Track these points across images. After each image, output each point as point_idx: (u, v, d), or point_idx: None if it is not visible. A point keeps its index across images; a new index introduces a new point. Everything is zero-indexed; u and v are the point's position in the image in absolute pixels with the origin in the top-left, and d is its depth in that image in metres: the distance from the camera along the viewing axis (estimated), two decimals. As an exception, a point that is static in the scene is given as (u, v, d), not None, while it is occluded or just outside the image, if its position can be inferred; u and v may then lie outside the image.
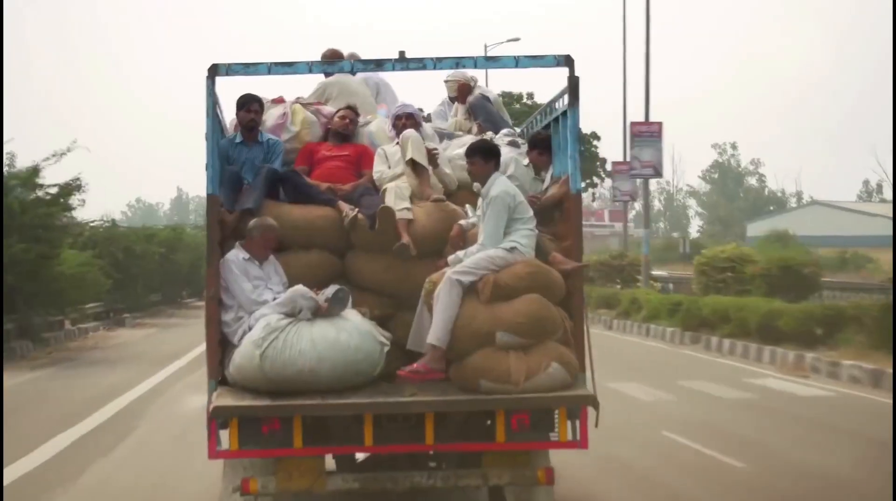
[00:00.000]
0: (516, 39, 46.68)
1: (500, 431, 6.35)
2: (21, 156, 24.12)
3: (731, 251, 26.24)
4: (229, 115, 7.87)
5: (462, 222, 7.02)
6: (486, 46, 46.60)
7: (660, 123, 32.10)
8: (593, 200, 62.85)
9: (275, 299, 6.69)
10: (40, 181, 23.29)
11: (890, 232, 25.32)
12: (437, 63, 7.00)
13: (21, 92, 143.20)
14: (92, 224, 34.81)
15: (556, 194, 7.23)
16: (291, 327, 6.44)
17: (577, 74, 6.90)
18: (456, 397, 6.30)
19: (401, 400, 6.25)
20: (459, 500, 8.15)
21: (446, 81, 9.16)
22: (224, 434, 6.36)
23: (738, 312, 20.03)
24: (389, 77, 9.07)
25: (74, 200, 24.37)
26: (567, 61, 6.86)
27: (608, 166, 46.82)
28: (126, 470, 10.53)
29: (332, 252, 7.17)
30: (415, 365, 6.46)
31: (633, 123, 32.05)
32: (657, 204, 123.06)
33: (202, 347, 26.59)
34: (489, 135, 8.23)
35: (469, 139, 7.90)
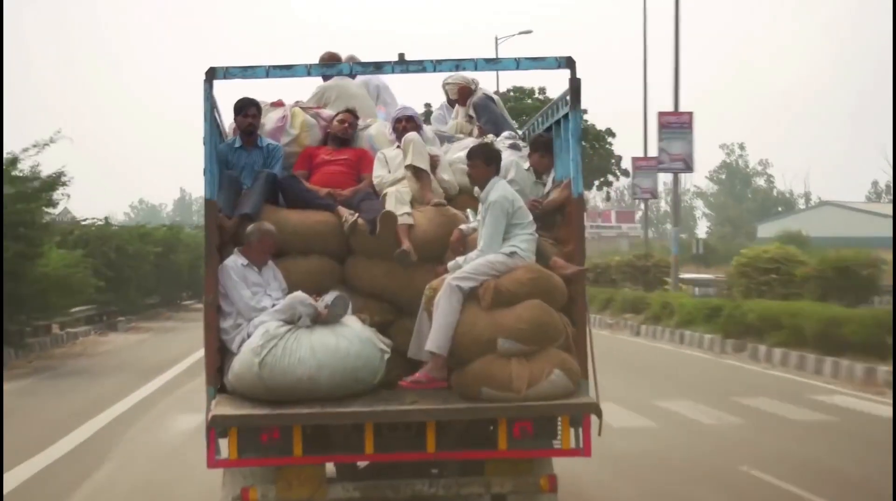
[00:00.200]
0: (528, 32, 44.73)
1: (503, 438, 6.25)
2: (23, 159, 21.90)
3: (775, 251, 23.86)
4: (228, 118, 7.76)
5: (462, 226, 6.90)
6: (496, 39, 45.65)
7: (690, 114, 29.74)
8: (608, 198, 60.41)
9: (274, 305, 6.58)
10: (20, 174, 20.80)
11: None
12: (437, 65, 6.92)
13: (21, 93, 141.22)
14: (83, 222, 32.63)
15: (558, 198, 7.09)
16: (290, 334, 6.33)
17: (579, 75, 6.86)
18: (457, 405, 6.20)
19: (401, 409, 6.13)
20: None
21: (446, 84, 8.99)
22: (223, 443, 6.23)
23: (792, 318, 17.79)
24: (389, 79, 8.94)
25: (59, 195, 21.89)
26: (568, 63, 6.76)
27: (625, 163, 44.53)
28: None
29: (332, 258, 7.05)
30: (416, 375, 6.37)
31: (660, 114, 29.63)
32: (664, 205, 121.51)
33: (198, 354, 25.86)
34: (490, 138, 8.09)
35: (470, 142, 7.77)
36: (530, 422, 6.28)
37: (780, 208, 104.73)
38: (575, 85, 6.79)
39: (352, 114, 7.89)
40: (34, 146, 21.55)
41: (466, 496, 6.58)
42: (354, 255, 7.07)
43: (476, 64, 6.99)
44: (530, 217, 6.72)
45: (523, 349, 6.26)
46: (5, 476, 10.02)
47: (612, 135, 45.40)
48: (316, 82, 8.56)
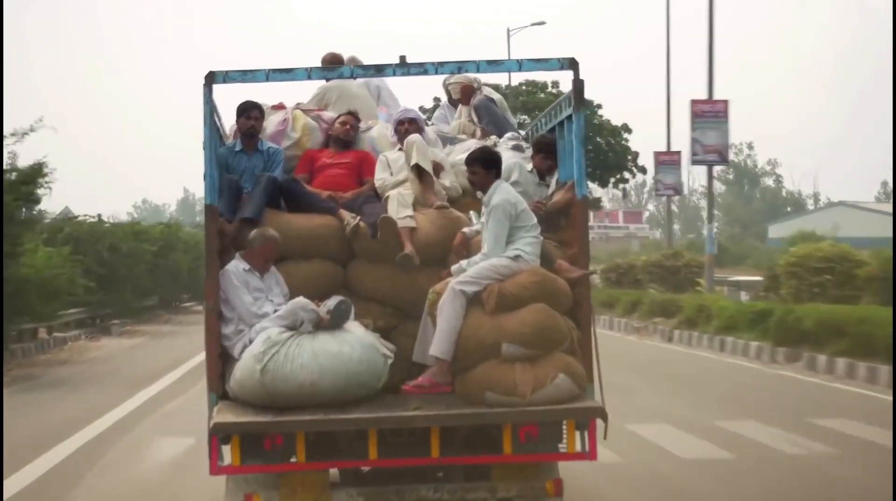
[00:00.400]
0: (541, 23, 42.75)
1: (508, 443, 6.17)
2: (22, 156, 21.39)
3: (828, 250, 21.49)
4: (229, 120, 7.69)
5: (465, 229, 6.81)
6: (508, 31, 44.49)
7: (725, 102, 27.56)
8: (624, 196, 58.25)
9: (275, 311, 6.50)
10: None
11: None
12: (439, 67, 6.87)
13: (22, 93, 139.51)
14: (75, 219, 30.45)
15: (562, 200, 7.00)
16: (292, 340, 6.26)
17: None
18: (461, 410, 6.12)
19: (405, 415, 6.04)
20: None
21: (449, 84, 8.90)
22: (226, 449, 6.11)
23: (859, 324, 15.43)
24: (390, 79, 8.74)
25: (43, 189, 19.77)
26: (571, 64, 6.72)
27: (642, 159, 42.41)
28: None
29: (334, 262, 6.97)
30: (419, 379, 6.30)
31: (693, 102, 27.39)
32: (672, 206, 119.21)
33: (193, 361, 20.97)
34: (493, 139, 8.02)
35: (473, 144, 7.70)
36: (536, 426, 6.21)
37: (788, 209, 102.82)
38: (578, 86, 6.73)
39: (353, 116, 7.78)
40: (13, 135, 19.33)
41: (471, 500, 6.42)
42: (357, 259, 6.98)
43: (478, 66, 6.90)
44: (534, 220, 6.62)
45: (528, 354, 6.18)
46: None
47: (629, 131, 43.67)
48: (316, 84, 8.47)
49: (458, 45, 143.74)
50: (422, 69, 6.83)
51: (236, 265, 6.69)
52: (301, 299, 6.43)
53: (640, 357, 20.15)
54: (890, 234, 31.35)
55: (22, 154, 20.42)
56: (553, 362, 6.20)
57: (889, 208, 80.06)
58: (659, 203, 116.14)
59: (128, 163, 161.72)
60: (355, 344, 6.28)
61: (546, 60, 6.93)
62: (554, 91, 40.24)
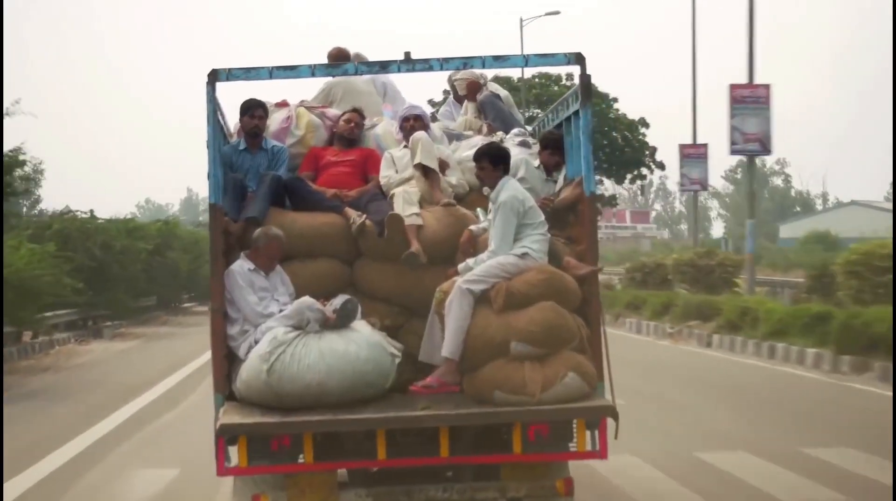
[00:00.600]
0: (556, 13, 40.72)
1: (517, 442, 6.10)
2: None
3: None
4: (233, 118, 7.56)
5: (472, 227, 6.76)
6: (521, 20, 43.32)
7: (767, 86, 25.26)
8: (642, 193, 56.19)
9: (281, 311, 6.45)
10: None
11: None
12: (444, 64, 6.80)
13: (22, 92, 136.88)
14: (65, 215, 28.35)
15: (570, 197, 6.92)
16: (299, 340, 6.19)
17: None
18: (470, 410, 6.05)
19: (414, 415, 5.99)
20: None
21: (455, 80, 8.75)
22: (233, 450, 6.06)
23: (948, 332, 13.23)
24: (395, 76, 8.62)
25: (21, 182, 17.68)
26: (578, 59, 6.63)
27: (660, 155, 40.45)
28: None
29: (340, 261, 6.91)
30: (428, 379, 6.24)
31: (733, 86, 25.15)
32: (678, 205, 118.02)
33: (189, 367, 19.26)
34: (500, 135, 7.90)
35: (479, 140, 7.63)
36: (545, 425, 6.12)
37: (797, 209, 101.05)
38: (585, 81, 6.67)
39: (358, 113, 7.70)
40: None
41: (481, 500, 6.28)
42: (363, 257, 6.91)
43: (484, 61, 6.81)
44: (542, 217, 6.56)
45: (537, 352, 6.09)
46: None
47: (646, 125, 41.72)
48: (320, 81, 8.35)
49: (469, 37, 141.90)
50: (427, 65, 6.74)
51: (241, 265, 6.60)
52: (307, 299, 6.35)
53: (681, 365, 18.09)
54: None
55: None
56: (562, 360, 6.11)
57: (902, 207, 78.18)
58: (666, 203, 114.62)
59: (131, 163, 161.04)
60: (362, 343, 6.21)
61: (553, 56, 6.85)
62: (568, 84, 39.26)
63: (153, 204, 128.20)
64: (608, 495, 8.72)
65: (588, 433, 6.24)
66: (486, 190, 6.81)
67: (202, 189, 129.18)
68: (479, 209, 7.03)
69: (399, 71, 6.88)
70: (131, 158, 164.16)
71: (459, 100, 8.91)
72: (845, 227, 65.01)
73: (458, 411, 6.03)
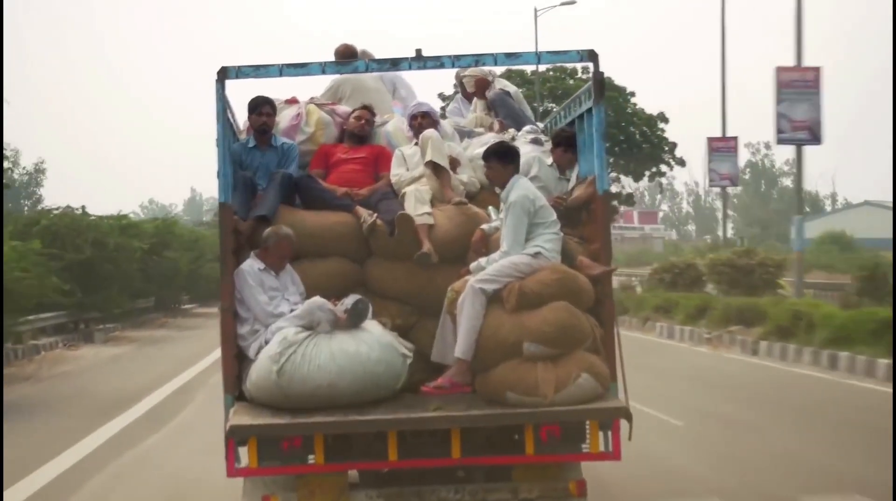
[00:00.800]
0: (571, 2, 38.62)
1: (530, 443, 6.03)
2: (25, 154, 16.15)
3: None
4: (242, 116, 7.50)
5: (484, 226, 6.69)
6: (535, 10, 41.38)
7: (817, 69, 23.14)
8: (660, 191, 54.08)
9: (292, 310, 6.39)
10: None
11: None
12: (456, 61, 6.73)
13: (22, 93, 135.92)
14: (54, 211, 26.35)
15: (583, 195, 6.85)
16: (309, 340, 6.12)
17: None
18: (482, 411, 5.98)
19: (426, 416, 5.93)
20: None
21: (463, 77, 8.69)
22: (243, 450, 6.03)
23: None
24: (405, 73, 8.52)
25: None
26: (591, 56, 6.57)
27: (680, 151, 38.50)
28: None
29: (351, 260, 6.85)
30: (439, 380, 6.17)
31: (780, 69, 23.09)
32: (685, 206, 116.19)
33: (183, 376, 17.42)
34: (511, 132, 7.85)
35: (491, 137, 7.60)
36: (558, 426, 6.05)
37: (807, 209, 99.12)
38: (598, 78, 6.60)
39: (368, 110, 7.63)
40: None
41: None
42: (374, 256, 6.85)
43: (496, 58, 6.74)
44: (554, 215, 6.49)
45: (550, 353, 6.02)
46: None
47: (665, 120, 39.77)
48: (329, 78, 8.25)
49: (482, 27, 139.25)
50: (438, 63, 6.69)
51: (251, 264, 6.54)
52: (318, 299, 6.29)
53: (732, 376, 16.22)
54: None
55: (25, 153, 16.41)
56: (575, 361, 6.04)
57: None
58: (673, 204, 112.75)
59: (134, 163, 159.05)
60: (373, 344, 6.15)
61: (565, 52, 6.84)
62: (584, 77, 37.71)
63: (157, 204, 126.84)
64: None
65: (601, 434, 6.19)
66: (497, 189, 6.72)
67: (206, 189, 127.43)
68: (490, 208, 6.93)
69: (410, 68, 6.79)
70: (135, 159, 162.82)
71: (468, 97, 8.80)
72: (859, 227, 63.42)
73: (470, 412, 5.97)
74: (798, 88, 22.63)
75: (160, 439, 11.64)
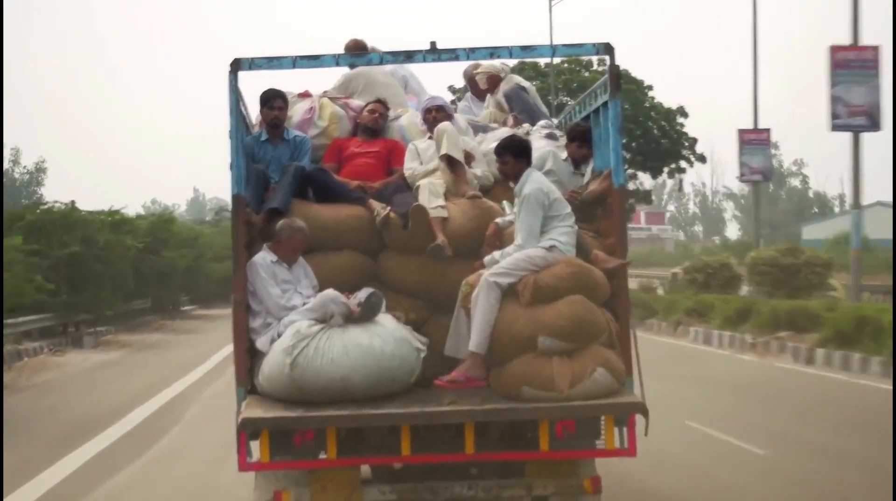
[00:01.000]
0: (588, -9, 36.44)
1: (544, 439, 5.96)
2: (26, 154, 14.71)
3: None
4: (254, 109, 7.45)
5: (499, 220, 6.66)
6: (550, 1, 39.24)
7: (875, 48, 21.10)
8: (679, 188, 52.07)
9: (304, 303, 6.34)
10: None
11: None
12: (471, 53, 6.67)
13: (21, 93, 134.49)
14: (42, 206, 24.40)
15: (598, 189, 6.78)
16: (322, 333, 6.05)
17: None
18: (497, 405, 5.93)
19: (440, 410, 5.89)
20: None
21: (476, 73, 8.54)
22: (255, 445, 5.97)
23: None
24: (415, 68, 8.60)
25: None
26: (607, 49, 6.53)
27: (702, 146, 36.69)
28: None
29: (364, 253, 6.81)
30: (453, 374, 6.10)
31: (835, 48, 21.03)
32: (692, 206, 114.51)
33: (175, 387, 15.52)
34: (525, 127, 7.78)
35: (505, 132, 7.52)
36: (573, 422, 5.97)
37: (815, 210, 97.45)
38: (615, 71, 6.54)
39: (382, 104, 7.57)
40: None
41: (507, 498, 6.16)
42: (387, 250, 6.80)
43: (511, 51, 6.68)
44: (568, 209, 6.43)
45: (565, 347, 5.95)
46: None
47: (685, 114, 37.75)
48: (339, 72, 8.18)
49: (496, 17, 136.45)
50: (453, 55, 6.60)
51: (264, 257, 6.47)
52: (331, 292, 6.21)
53: (795, 390, 14.59)
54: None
55: (25, 152, 14.65)
56: (591, 355, 5.96)
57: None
58: (680, 205, 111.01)
59: (136, 163, 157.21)
60: (387, 338, 6.07)
61: (581, 46, 6.77)
62: (599, 69, 35.91)
63: (159, 204, 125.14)
64: None
65: (616, 430, 6.09)
66: (511, 183, 6.66)
67: (208, 189, 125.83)
68: (504, 202, 6.87)
69: (424, 61, 6.68)
70: (137, 159, 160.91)
71: (479, 95, 8.72)
72: (871, 228, 61.48)
73: (485, 406, 5.89)
74: (855, 69, 20.60)
75: (138, 471, 9.67)
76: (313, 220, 6.63)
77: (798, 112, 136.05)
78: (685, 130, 38.09)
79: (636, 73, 37.97)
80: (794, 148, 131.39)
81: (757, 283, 24.32)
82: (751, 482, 8.67)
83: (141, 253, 28.01)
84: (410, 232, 6.55)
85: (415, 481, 6.15)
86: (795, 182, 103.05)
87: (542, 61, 36.59)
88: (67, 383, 16.94)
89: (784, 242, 42.51)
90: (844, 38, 21.14)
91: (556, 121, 8.35)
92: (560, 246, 6.22)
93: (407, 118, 7.63)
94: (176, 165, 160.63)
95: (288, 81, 7.22)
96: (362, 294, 6.18)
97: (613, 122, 6.54)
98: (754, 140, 28.27)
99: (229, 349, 25.24)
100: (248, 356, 6.26)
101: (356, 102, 7.71)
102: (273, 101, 7.12)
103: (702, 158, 38.46)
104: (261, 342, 6.26)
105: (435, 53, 6.61)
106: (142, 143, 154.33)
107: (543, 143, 7.30)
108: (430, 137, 7.17)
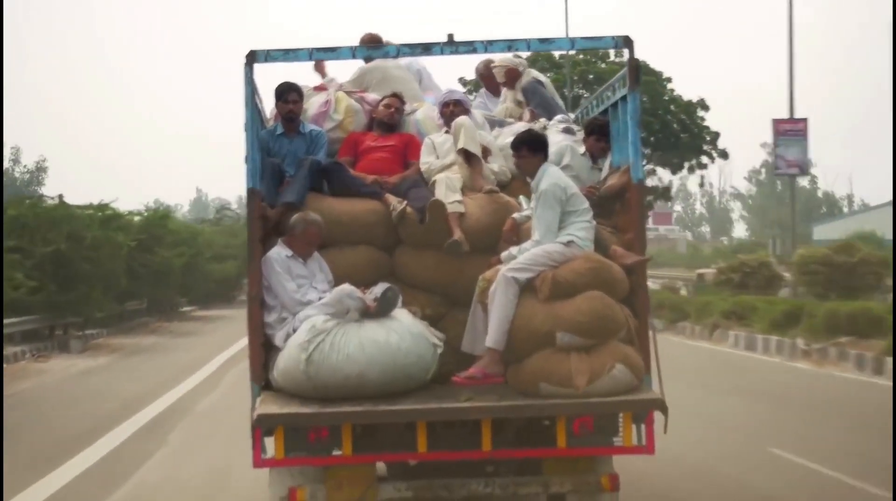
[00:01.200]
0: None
1: (562, 436, 5.92)
2: (27, 153, 13.36)
3: None
4: (269, 103, 7.45)
5: (516, 215, 6.58)
6: None
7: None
8: (701, 185, 49.99)
9: (320, 298, 6.29)
10: None
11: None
12: (489, 46, 6.62)
13: (21, 93, 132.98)
14: (28, 201, 22.65)
15: (617, 184, 6.69)
16: (338, 329, 6.00)
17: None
18: (515, 402, 5.88)
19: (457, 406, 5.83)
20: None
21: (494, 67, 8.37)
22: (269, 441, 5.95)
23: None
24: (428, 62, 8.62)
25: None
26: (626, 42, 6.43)
27: (724, 142, 35.31)
28: None
29: (380, 248, 6.76)
30: (471, 370, 6.05)
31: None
32: (699, 207, 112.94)
33: (165, 400, 13.69)
34: (542, 121, 7.70)
35: (521, 126, 7.44)
36: (591, 419, 5.93)
37: (823, 210, 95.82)
38: (633, 65, 6.45)
39: (398, 98, 7.51)
40: None
41: (524, 495, 6.17)
42: (403, 245, 6.75)
43: (529, 44, 6.65)
44: (586, 204, 6.37)
45: (583, 343, 5.89)
46: None
47: (706, 107, 36.05)
48: (354, 67, 8.15)
49: (511, 9, 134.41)
50: (471, 48, 6.53)
51: (279, 252, 6.43)
52: (346, 286, 6.15)
53: (883, 407, 11.88)
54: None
55: (26, 151, 13.29)
56: (610, 351, 5.89)
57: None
58: (686, 205, 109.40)
59: (138, 163, 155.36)
60: (404, 333, 6.00)
61: (600, 38, 6.62)
62: (616, 61, 34.40)
63: (162, 204, 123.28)
64: None
65: (634, 427, 6.02)
66: (528, 178, 6.57)
67: (211, 189, 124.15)
68: (521, 197, 6.77)
69: (442, 53, 6.58)
70: (139, 159, 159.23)
71: (493, 90, 8.61)
72: (881, 228, 59.95)
73: (502, 403, 5.85)
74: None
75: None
76: (328, 214, 6.58)
77: (804, 113, 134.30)
78: (706, 124, 36.29)
79: (655, 64, 36.13)
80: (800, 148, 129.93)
81: (807, 283, 22.24)
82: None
83: (134, 251, 26.20)
84: (427, 227, 6.49)
85: (430, 478, 6.12)
86: (804, 182, 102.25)
87: (558, 53, 34.84)
88: (43, 394, 15.07)
89: (799, 243, 40.66)
90: (845, 38, 20.81)
91: (572, 115, 8.29)
92: (578, 241, 6.16)
93: (423, 112, 7.58)
94: (178, 165, 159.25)
95: (303, 76, 7.22)
96: (378, 289, 6.13)
97: (632, 116, 6.46)
98: (790, 131, 26.33)
99: (229, 353, 23.03)
100: (262, 352, 6.22)
101: (372, 96, 7.67)
102: (288, 94, 7.05)
103: (724, 154, 36.60)
104: (276, 337, 6.21)
105: (452, 46, 6.54)
106: (144, 142, 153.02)
107: (561, 137, 7.24)
108: (447, 132, 7.11)
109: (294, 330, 6.10)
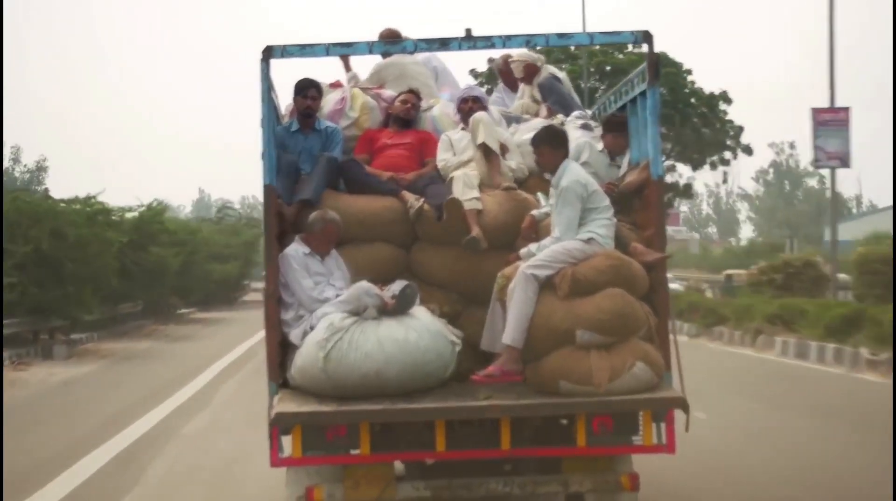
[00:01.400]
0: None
1: (581, 435, 5.88)
2: (27, 153, 12.22)
3: None
4: (285, 99, 7.39)
5: (534, 212, 6.54)
6: None
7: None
8: (724, 181, 48.11)
9: (337, 296, 6.26)
10: None
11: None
12: (507, 41, 6.54)
13: (21, 92, 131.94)
14: (10, 194, 21.03)
15: (636, 181, 6.63)
16: (356, 326, 5.96)
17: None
18: (534, 400, 5.86)
19: (476, 405, 5.81)
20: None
21: (512, 62, 8.31)
22: (287, 440, 5.94)
23: None
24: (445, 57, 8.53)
25: None
26: (646, 37, 6.38)
27: (747, 137, 34.12)
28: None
29: (397, 246, 6.73)
30: (490, 369, 6.02)
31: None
32: (705, 208, 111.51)
33: (152, 416, 12.78)
34: (560, 118, 7.63)
35: (539, 122, 7.37)
36: (611, 417, 5.89)
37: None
38: (653, 60, 6.39)
39: (414, 94, 7.46)
40: None
41: (543, 495, 6.16)
42: (421, 242, 6.72)
43: (548, 39, 6.57)
44: (607, 201, 6.33)
45: (603, 341, 5.85)
46: None
47: (728, 101, 34.61)
48: (371, 64, 8.15)
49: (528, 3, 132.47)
50: (489, 43, 6.48)
51: (296, 249, 6.40)
52: (364, 284, 6.13)
53: None
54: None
55: (26, 151, 12.17)
56: (630, 349, 5.83)
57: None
58: (693, 205, 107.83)
59: (140, 163, 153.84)
60: (422, 331, 5.96)
61: (619, 34, 6.64)
62: (634, 52, 32.82)
63: (163, 205, 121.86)
64: None
65: (654, 425, 5.98)
66: (547, 175, 6.53)
67: (214, 190, 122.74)
68: (539, 194, 6.74)
69: (460, 48, 6.51)
70: (141, 160, 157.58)
71: (511, 85, 8.49)
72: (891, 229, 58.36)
73: (522, 401, 5.81)
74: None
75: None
76: (345, 211, 6.56)
77: (805, 113, 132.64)
78: (729, 118, 34.45)
79: (675, 54, 34.29)
80: (809, 148, 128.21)
81: (867, 285, 20.35)
82: None
83: (126, 248, 24.50)
84: (444, 224, 6.47)
85: (449, 477, 6.07)
86: (812, 182, 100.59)
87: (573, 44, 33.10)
88: (14, 410, 12.97)
89: (802, 243, 38.92)
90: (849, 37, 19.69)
91: (589, 111, 8.23)
92: (598, 238, 6.11)
93: (439, 109, 7.53)
94: (181, 165, 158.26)
95: (319, 72, 7.08)
96: (396, 287, 6.11)
97: (651, 112, 6.39)
98: (831, 121, 24.44)
99: (228, 359, 20.92)
100: (279, 350, 6.18)
101: (388, 93, 7.62)
102: (307, 90, 7.01)
103: (748, 150, 34.74)
104: (293, 335, 6.17)
105: (470, 41, 6.50)
106: (145, 143, 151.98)
107: (579, 134, 7.17)
108: (464, 128, 7.08)
109: (311, 328, 6.07)
